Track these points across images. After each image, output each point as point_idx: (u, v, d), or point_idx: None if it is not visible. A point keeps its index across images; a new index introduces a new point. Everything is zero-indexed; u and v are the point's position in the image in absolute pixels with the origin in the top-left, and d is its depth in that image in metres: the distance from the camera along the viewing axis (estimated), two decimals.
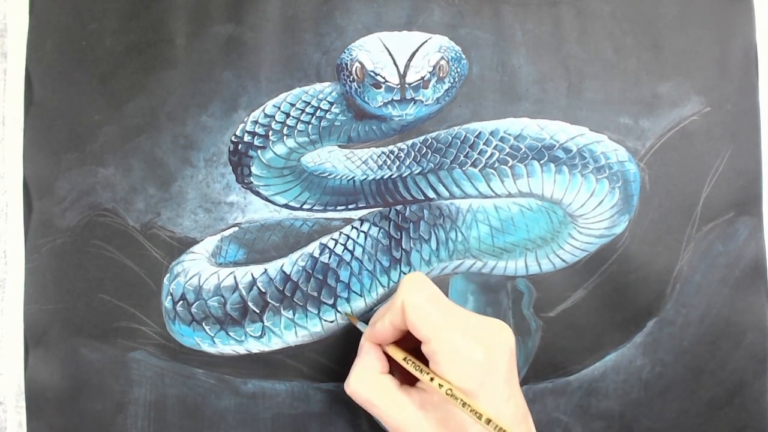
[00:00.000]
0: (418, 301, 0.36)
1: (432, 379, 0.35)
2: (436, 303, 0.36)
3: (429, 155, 0.46)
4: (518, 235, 0.46)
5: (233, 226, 0.46)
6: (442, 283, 0.46)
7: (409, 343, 0.38)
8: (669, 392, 0.46)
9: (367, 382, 0.37)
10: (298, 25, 0.46)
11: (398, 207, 0.46)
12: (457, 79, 0.46)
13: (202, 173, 0.46)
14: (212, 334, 0.46)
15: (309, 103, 0.46)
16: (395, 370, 0.40)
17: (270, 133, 0.46)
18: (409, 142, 0.46)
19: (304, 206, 0.47)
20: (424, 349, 0.35)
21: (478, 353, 0.34)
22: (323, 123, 0.46)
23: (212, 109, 0.46)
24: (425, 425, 0.35)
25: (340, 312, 0.45)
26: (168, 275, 0.46)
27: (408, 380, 0.39)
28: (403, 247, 0.46)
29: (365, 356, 0.38)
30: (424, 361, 0.37)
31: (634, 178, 0.46)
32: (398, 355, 0.38)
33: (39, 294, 0.46)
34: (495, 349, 0.35)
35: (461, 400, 0.33)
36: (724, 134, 0.46)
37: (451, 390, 0.34)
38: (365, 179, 0.46)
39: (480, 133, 0.46)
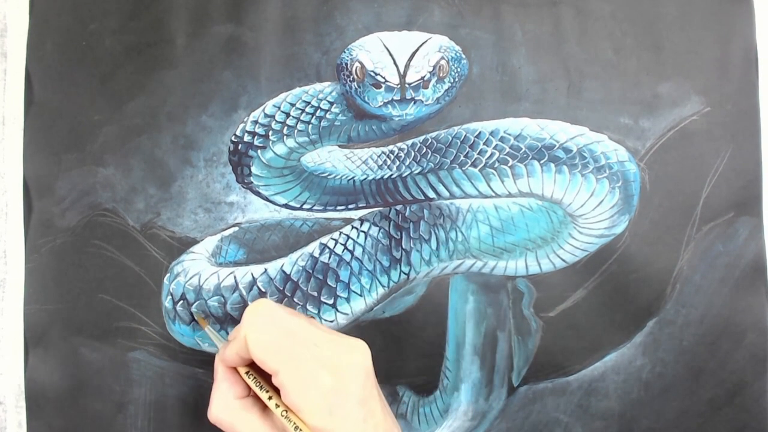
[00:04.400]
0: (261, 336, 0.34)
1: (270, 398, 0.35)
2: (279, 333, 0.35)
3: (429, 155, 0.46)
4: (518, 235, 0.46)
5: (233, 226, 0.46)
6: (442, 283, 0.46)
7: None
8: (669, 392, 0.46)
9: (228, 409, 0.36)
10: (298, 25, 0.46)
11: (398, 207, 0.46)
12: (457, 79, 0.46)
13: (202, 173, 0.46)
14: None
15: (309, 103, 0.46)
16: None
17: (270, 133, 0.46)
18: (409, 142, 0.46)
19: (304, 206, 0.47)
20: (274, 381, 0.34)
21: (325, 379, 0.33)
22: (323, 123, 0.46)
23: (212, 109, 0.46)
24: None
25: (340, 312, 0.45)
26: (168, 275, 0.46)
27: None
28: (403, 246, 0.46)
29: (221, 382, 0.37)
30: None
31: (634, 178, 0.46)
32: (249, 381, 0.36)
33: (39, 294, 0.46)
34: (345, 372, 0.34)
35: (294, 422, 0.33)
36: (724, 134, 0.46)
37: (285, 411, 0.34)
38: (365, 179, 0.46)
39: (480, 133, 0.46)
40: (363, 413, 0.34)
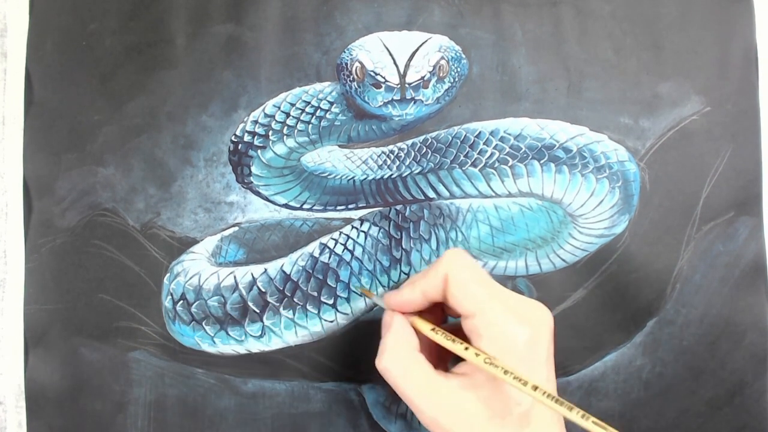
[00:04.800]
0: (464, 275, 0.34)
1: (467, 349, 0.33)
2: (480, 278, 0.35)
3: (429, 155, 0.46)
4: (518, 235, 0.46)
5: (233, 225, 0.46)
6: None
7: (434, 320, 0.37)
8: (669, 392, 0.46)
9: (402, 359, 0.34)
10: (298, 25, 0.46)
11: (398, 207, 0.46)
12: (457, 79, 0.46)
13: (202, 173, 0.46)
14: (212, 334, 0.46)
15: (309, 103, 0.46)
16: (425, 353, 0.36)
17: (270, 132, 0.46)
18: (409, 142, 0.46)
19: (304, 206, 0.47)
20: (466, 324, 0.34)
21: (523, 332, 0.33)
22: (323, 123, 0.46)
23: (212, 109, 0.46)
24: (466, 409, 0.33)
25: (340, 312, 0.45)
26: (168, 275, 0.46)
27: (440, 366, 0.36)
28: (403, 246, 0.46)
29: (398, 330, 0.35)
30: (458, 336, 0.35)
31: (634, 178, 0.46)
32: (425, 327, 0.35)
33: (39, 294, 0.46)
34: (538, 329, 0.34)
35: (502, 367, 0.31)
36: (724, 134, 0.46)
37: (489, 359, 0.32)
38: (365, 179, 0.46)
39: (480, 132, 0.46)
40: (546, 373, 0.34)
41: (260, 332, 0.45)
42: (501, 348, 0.33)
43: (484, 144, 0.45)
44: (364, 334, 0.46)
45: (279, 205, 0.46)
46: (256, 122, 0.46)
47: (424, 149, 0.46)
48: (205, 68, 0.46)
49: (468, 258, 0.36)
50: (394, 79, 0.44)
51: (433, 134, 0.46)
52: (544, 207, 0.46)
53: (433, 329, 0.35)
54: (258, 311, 0.45)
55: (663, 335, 0.46)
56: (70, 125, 0.47)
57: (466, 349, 0.34)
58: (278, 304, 0.45)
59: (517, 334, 0.33)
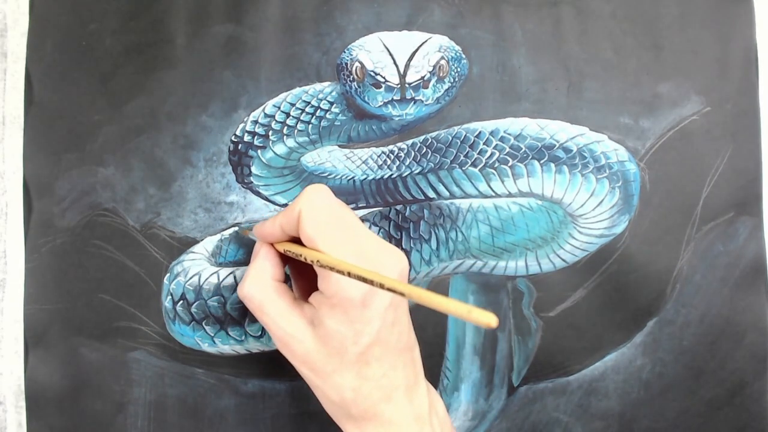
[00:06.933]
0: (316, 215, 0.34)
1: (309, 260, 0.34)
2: (332, 217, 0.35)
3: (429, 155, 0.46)
4: (518, 235, 0.46)
5: (233, 225, 0.46)
6: (443, 283, 0.46)
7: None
8: (669, 392, 0.46)
9: (261, 287, 0.36)
10: (298, 25, 0.46)
11: (398, 207, 0.46)
12: (457, 79, 0.46)
13: (202, 173, 0.46)
14: (212, 334, 0.46)
15: (309, 103, 0.46)
16: (294, 282, 0.40)
17: (270, 132, 0.46)
18: (409, 142, 0.46)
19: None
20: (316, 264, 0.34)
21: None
22: (323, 123, 0.46)
23: (212, 109, 0.46)
24: (309, 342, 0.34)
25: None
26: (168, 275, 0.46)
27: (305, 295, 0.38)
28: (403, 246, 0.46)
29: (261, 260, 0.37)
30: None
31: (634, 178, 0.46)
32: (280, 247, 0.36)
33: (39, 294, 0.46)
34: (386, 272, 0.34)
35: (347, 271, 0.30)
36: (724, 134, 0.46)
37: (331, 264, 0.32)
38: (365, 179, 0.46)
39: (480, 132, 0.46)
40: (392, 317, 0.34)
41: (260, 332, 0.45)
42: (344, 284, 0.33)
43: (484, 144, 0.45)
44: None
45: (279, 205, 0.46)
46: (256, 122, 0.46)
47: (424, 149, 0.46)
48: (205, 68, 0.46)
49: (325, 197, 0.36)
50: (394, 79, 0.44)
51: (433, 134, 0.46)
52: (544, 207, 0.46)
53: (285, 250, 0.36)
54: None
55: (663, 335, 0.46)
56: (70, 125, 0.47)
57: (317, 261, 0.33)
58: None
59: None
